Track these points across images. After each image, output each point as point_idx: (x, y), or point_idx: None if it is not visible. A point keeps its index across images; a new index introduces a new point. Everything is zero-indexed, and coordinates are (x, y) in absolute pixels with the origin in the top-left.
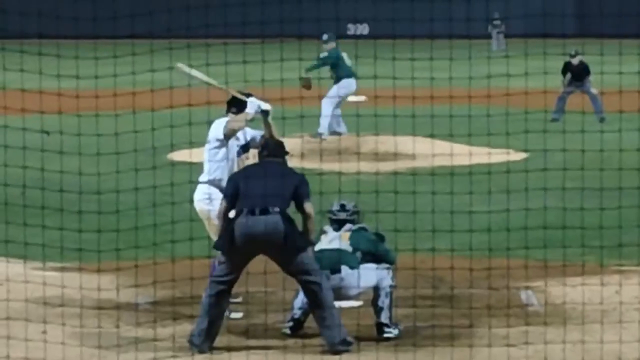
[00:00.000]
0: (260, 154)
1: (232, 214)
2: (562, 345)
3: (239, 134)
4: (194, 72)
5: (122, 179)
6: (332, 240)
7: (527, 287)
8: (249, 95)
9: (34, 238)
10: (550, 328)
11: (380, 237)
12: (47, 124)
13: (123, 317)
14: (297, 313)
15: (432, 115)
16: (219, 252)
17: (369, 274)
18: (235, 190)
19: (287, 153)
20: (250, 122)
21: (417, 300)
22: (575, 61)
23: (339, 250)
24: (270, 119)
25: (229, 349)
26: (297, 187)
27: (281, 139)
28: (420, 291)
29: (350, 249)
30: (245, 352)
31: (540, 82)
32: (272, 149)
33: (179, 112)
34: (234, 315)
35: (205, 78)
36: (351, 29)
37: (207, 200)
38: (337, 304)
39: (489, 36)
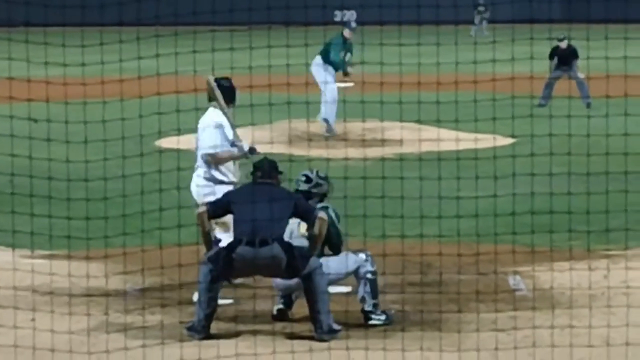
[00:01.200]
0: (253, 175)
1: (223, 237)
2: (550, 330)
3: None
4: (217, 92)
5: (110, 167)
6: (291, 232)
7: (515, 272)
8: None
9: (22, 226)
10: (539, 313)
11: (337, 217)
12: (34, 112)
13: (112, 304)
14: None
15: (419, 101)
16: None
17: (347, 261)
18: (224, 208)
19: (281, 173)
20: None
21: (405, 286)
22: (563, 45)
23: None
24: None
25: (217, 335)
26: (297, 207)
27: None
28: (408, 277)
29: (305, 242)
30: (234, 339)
31: (526, 67)
32: (266, 171)
33: (167, 99)
34: (222, 301)
35: (223, 105)
36: (338, 15)
37: (209, 189)
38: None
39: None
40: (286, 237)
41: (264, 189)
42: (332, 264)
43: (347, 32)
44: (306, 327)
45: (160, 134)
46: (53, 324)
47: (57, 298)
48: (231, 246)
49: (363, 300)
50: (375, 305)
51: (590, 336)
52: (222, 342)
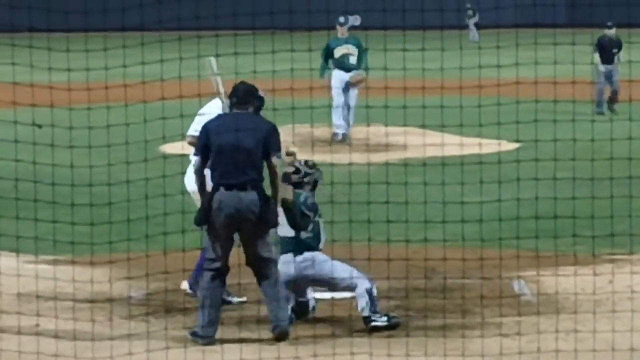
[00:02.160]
0: (230, 100)
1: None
2: (554, 335)
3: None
4: (218, 77)
5: (114, 172)
6: (282, 223)
7: (519, 277)
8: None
9: (26, 231)
10: (543, 318)
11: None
12: (38, 117)
13: (116, 309)
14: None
15: (424, 106)
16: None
17: (352, 272)
18: (206, 145)
19: (259, 97)
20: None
21: (409, 291)
22: (611, 33)
23: (292, 239)
24: None
25: (221, 340)
26: (266, 139)
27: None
28: (412, 282)
29: (291, 232)
30: (238, 344)
31: (531, 72)
32: (240, 96)
33: (171, 104)
34: (237, 299)
35: (220, 86)
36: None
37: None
38: (330, 294)
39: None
40: (279, 229)
41: (240, 120)
42: (339, 268)
43: (338, 31)
44: (310, 333)
45: (165, 139)
46: (57, 330)
47: (61, 303)
48: (210, 195)
49: (362, 310)
50: (374, 311)
51: (594, 341)
52: (226, 346)
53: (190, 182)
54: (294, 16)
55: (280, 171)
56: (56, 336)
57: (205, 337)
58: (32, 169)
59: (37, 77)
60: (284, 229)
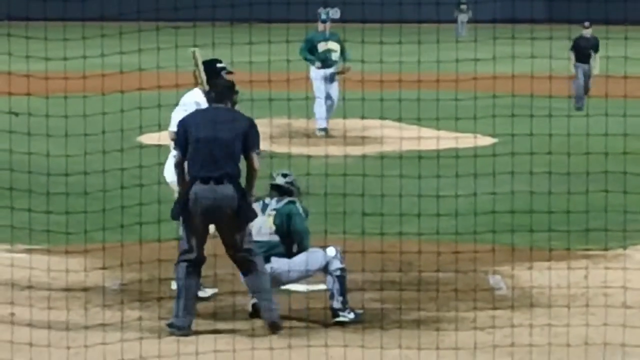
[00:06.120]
0: (207, 95)
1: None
2: (529, 330)
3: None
4: (201, 67)
5: (91, 161)
6: (259, 228)
7: (494, 272)
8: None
9: (2, 220)
10: (518, 312)
11: (306, 213)
12: (15, 106)
13: (91, 299)
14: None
15: (400, 99)
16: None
17: (316, 257)
18: (185, 139)
19: (236, 92)
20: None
21: (384, 284)
22: (587, 33)
23: (267, 243)
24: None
25: (196, 331)
26: (246, 134)
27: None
28: (387, 275)
29: (276, 238)
30: (213, 335)
31: (508, 67)
32: (219, 92)
33: (148, 94)
34: (201, 293)
35: (204, 83)
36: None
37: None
38: (306, 287)
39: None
40: (254, 233)
41: (219, 115)
42: (297, 260)
43: (320, 26)
44: (285, 324)
45: (142, 130)
46: (32, 319)
47: (36, 292)
48: (188, 186)
49: (332, 297)
50: (343, 303)
51: (568, 336)
52: (200, 338)
53: (169, 173)
54: (272, 7)
55: (259, 167)
56: (31, 325)
57: (181, 328)
58: (8, 157)
59: (14, 66)
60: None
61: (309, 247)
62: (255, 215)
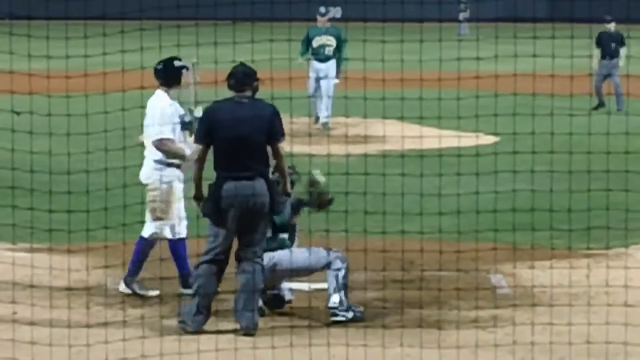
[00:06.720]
0: (229, 84)
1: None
2: (530, 328)
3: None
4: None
5: (93, 160)
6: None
7: (496, 270)
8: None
9: (3, 219)
10: (519, 311)
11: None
12: (17, 104)
13: (93, 297)
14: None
15: (402, 98)
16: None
17: (316, 255)
18: (209, 136)
19: (257, 80)
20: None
21: (386, 282)
22: (610, 28)
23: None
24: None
25: (198, 330)
26: (270, 125)
27: None
28: (389, 274)
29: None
30: (215, 334)
31: (510, 65)
32: (239, 79)
33: (150, 93)
34: (142, 292)
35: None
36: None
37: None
38: (308, 285)
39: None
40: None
41: (243, 110)
42: (299, 257)
43: (319, 21)
44: (286, 323)
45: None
46: (33, 318)
47: (37, 291)
48: (217, 185)
49: (329, 296)
50: (341, 302)
51: (570, 334)
52: (202, 336)
53: (145, 175)
54: (274, 6)
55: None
56: (32, 324)
57: (194, 324)
58: (10, 156)
59: (16, 65)
60: None
61: (287, 242)
62: (284, 209)
